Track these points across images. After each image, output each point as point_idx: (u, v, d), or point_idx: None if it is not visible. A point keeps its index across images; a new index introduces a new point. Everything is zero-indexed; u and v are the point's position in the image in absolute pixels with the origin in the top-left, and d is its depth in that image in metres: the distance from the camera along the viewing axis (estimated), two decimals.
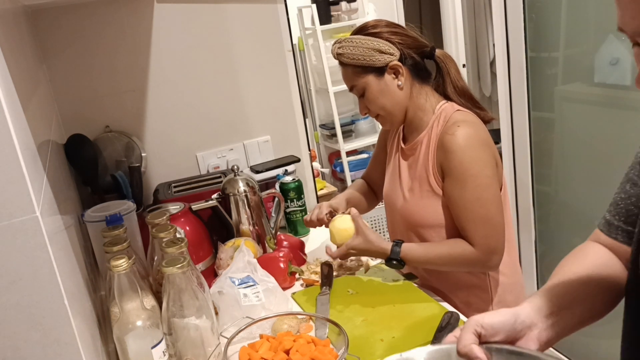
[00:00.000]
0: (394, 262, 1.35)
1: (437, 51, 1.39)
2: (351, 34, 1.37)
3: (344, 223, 1.41)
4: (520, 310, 0.74)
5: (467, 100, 1.40)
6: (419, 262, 1.35)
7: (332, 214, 1.51)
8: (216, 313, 1.23)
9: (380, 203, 1.67)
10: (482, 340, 0.70)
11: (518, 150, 2.08)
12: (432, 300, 1.33)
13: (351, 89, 1.40)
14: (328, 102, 3.85)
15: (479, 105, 1.41)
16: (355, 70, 1.36)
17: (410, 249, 1.34)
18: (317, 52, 3.82)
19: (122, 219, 1.31)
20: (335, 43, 1.39)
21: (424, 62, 1.39)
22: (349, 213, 1.42)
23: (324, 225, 1.52)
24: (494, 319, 0.71)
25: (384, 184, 1.54)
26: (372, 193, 1.69)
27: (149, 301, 1.10)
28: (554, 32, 1.94)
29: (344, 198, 1.59)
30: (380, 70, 1.34)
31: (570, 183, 2.08)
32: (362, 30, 1.36)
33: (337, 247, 1.42)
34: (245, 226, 1.61)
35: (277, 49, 1.94)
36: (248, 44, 1.89)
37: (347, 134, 4.07)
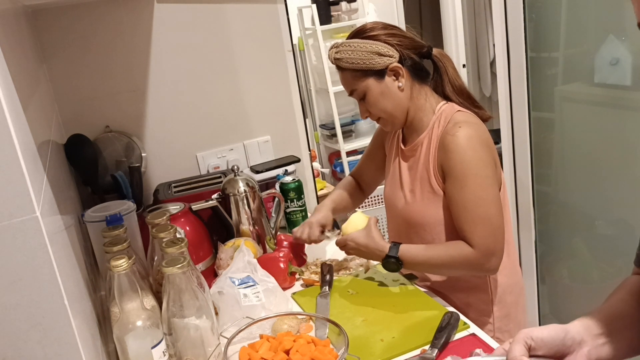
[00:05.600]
0: (392, 259, 1.33)
1: (434, 50, 1.39)
2: (347, 38, 1.36)
3: (361, 220, 1.42)
4: (570, 326, 0.74)
5: (465, 99, 1.40)
6: (417, 261, 1.33)
7: (323, 230, 1.54)
8: (216, 313, 1.23)
9: (381, 203, 1.67)
10: (531, 354, 0.70)
11: (518, 150, 2.08)
12: (432, 301, 1.33)
13: (351, 93, 1.39)
14: (328, 102, 3.85)
15: (477, 104, 1.41)
16: (354, 75, 1.35)
17: (408, 248, 1.33)
18: (317, 52, 3.82)
19: (122, 219, 1.31)
20: (332, 48, 1.37)
21: (422, 62, 1.39)
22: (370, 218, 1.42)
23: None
24: (544, 332, 0.71)
25: (385, 186, 1.53)
26: (359, 190, 1.68)
27: (149, 301, 1.10)
28: (554, 32, 1.94)
29: (330, 208, 1.58)
30: (380, 73, 1.33)
31: (570, 183, 2.08)
32: (359, 33, 1.36)
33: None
34: (245, 226, 1.62)
35: (277, 49, 1.94)
36: (248, 44, 1.89)
37: (347, 134, 4.07)
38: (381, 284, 1.43)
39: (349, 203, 1.65)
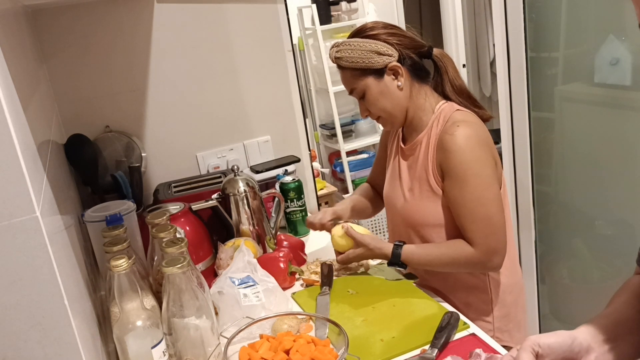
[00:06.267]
0: (396, 264, 1.37)
1: (435, 50, 1.39)
2: (348, 37, 1.37)
3: (343, 237, 1.45)
4: (577, 333, 0.74)
5: (465, 98, 1.40)
6: (420, 264, 1.36)
7: (336, 221, 1.54)
8: (216, 313, 1.23)
9: None
10: None
11: (518, 150, 2.08)
12: (432, 301, 1.33)
13: (351, 92, 1.40)
14: (328, 102, 3.85)
15: (477, 104, 1.41)
16: (354, 73, 1.36)
17: (411, 251, 1.35)
18: (317, 52, 3.82)
19: (122, 219, 1.31)
20: (332, 47, 1.38)
21: (422, 61, 1.39)
22: (344, 226, 1.44)
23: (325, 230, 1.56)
24: (551, 339, 0.71)
25: (385, 185, 1.54)
26: (378, 196, 1.68)
27: (149, 301, 1.10)
28: (554, 32, 1.94)
29: (349, 205, 1.60)
30: (379, 72, 1.34)
31: (570, 183, 2.08)
32: (359, 32, 1.36)
33: (338, 253, 1.47)
34: (245, 226, 1.61)
35: (277, 49, 1.93)
36: (248, 44, 1.89)
37: (347, 134, 4.07)
38: (381, 283, 1.43)
39: (367, 208, 1.65)
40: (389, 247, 1.37)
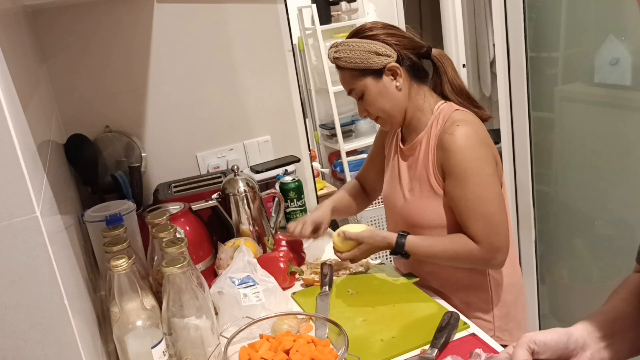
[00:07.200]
0: (399, 254, 1.37)
1: (434, 50, 1.39)
2: (347, 37, 1.37)
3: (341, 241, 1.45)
4: (573, 330, 0.74)
5: (465, 99, 1.40)
6: (423, 255, 1.36)
7: (316, 229, 1.54)
8: (216, 313, 1.23)
9: (380, 203, 1.68)
10: (534, 358, 0.70)
11: (518, 150, 2.08)
12: (432, 300, 1.33)
13: (349, 92, 1.40)
14: (328, 102, 3.85)
15: (477, 104, 1.41)
16: (353, 74, 1.36)
17: (414, 242, 1.35)
18: (317, 52, 3.82)
19: (122, 219, 1.31)
20: (331, 47, 1.38)
21: (421, 62, 1.39)
22: (340, 234, 1.44)
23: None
24: (547, 336, 0.72)
25: (384, 185, 1.54)
26: (364, 194, 1.69)
27: (149, 301, 1.10)
28: (554, 32, 1.94)
29: (329, 207, 1.59)
30: (378, 73, 1.34)
31: (570, 183, 2.08)
32: (358, 33, 1.36)
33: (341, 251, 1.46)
34: (245, 226, 1.62)
35: (277, 49, 1.94)
36: (248, 44, 1.89)
37: (347, 134, 4.07)
38: (381, 283, 1.43)
39: (351, 205, 1.65)
40: (392, 236, 1.37)
